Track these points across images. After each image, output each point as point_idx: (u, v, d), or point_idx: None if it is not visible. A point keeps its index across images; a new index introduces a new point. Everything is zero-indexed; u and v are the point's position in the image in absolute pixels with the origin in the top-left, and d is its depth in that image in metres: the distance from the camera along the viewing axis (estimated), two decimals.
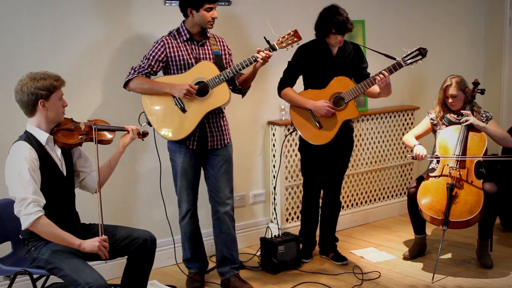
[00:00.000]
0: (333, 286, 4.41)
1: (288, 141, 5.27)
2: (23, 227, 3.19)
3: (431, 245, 5.11)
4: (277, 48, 4.17)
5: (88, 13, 4.36)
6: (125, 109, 4.53)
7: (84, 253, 3.36)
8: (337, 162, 4.77)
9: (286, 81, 4.61)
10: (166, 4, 4.68)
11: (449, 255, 5.00)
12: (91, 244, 3.26)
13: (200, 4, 4.07)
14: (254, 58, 4.11)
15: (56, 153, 3.42)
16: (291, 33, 4.20)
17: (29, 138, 3.33)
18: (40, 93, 3.30)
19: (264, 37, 4.17)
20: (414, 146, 4.76)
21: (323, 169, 4.76)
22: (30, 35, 4.16)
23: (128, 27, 4.54)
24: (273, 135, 5.27)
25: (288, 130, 5.15)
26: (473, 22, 6.85)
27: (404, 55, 4.41)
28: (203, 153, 4.28)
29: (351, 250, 5.14)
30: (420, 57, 4.41)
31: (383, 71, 4.39)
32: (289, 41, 4.20)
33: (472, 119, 4.66)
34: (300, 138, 4.67)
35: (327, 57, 4.57)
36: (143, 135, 3.81)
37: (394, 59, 4.44)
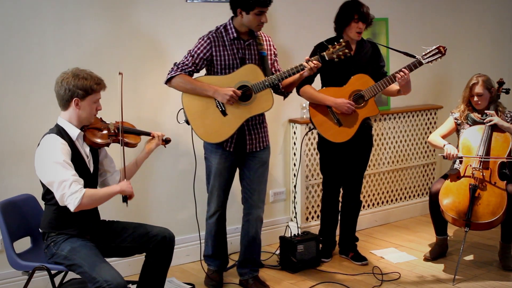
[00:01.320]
0: (352, 286, 4.37)
1: (309, 139, 5.24)
2: (72, 209, 3.17)
3: (452, 247, 5.06)
4: (327, 58, 4.07)
5: (110, 8, 4.36)
6: (152, 106, 4.55)
7: (102, 250, 3.38)
8: (356, 161, 4.74)
9: (305, 79, 4.57)
10: (188, 1, 4.66)
11: (471, 257, 4.94)
12: (126, 185, 3.39)
13: (251, 7, 3.95)
14: (302, 67, 4.03)
15: (85, 150, 3.44)
16: (343, 44, 4.09)
17: (60, 131, 3.34)
18: (77, 91, 3.31)
19: (316, 47, 4.07)
20: (444, 145, 4.68)
21: (342, 167, 4.74)
22: (53, 29, 4.17)
23: (149, 23, 4.53)
24: (294, 133, 5.24)
25: (310, 128, 5.11)
26: (499, 20, 6.75)
27: (423, 53, 4.39)
28: (241, 155, 4.22)
29: (371, 250, 5.10)
30: (439, 55, 4.38)
31: (403, 69, 4.36)
32: (340, 52, 4.08)
33: (496, 119, 4.59)
34: (319, 136, 4.64)
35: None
36: (165, 142, 3.81)
37: (414, 57, 4.40)
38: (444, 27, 6.26)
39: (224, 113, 4.04)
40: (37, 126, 3.54)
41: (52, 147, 3.25)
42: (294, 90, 4.61)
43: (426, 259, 4.86)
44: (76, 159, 3.34)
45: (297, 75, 4.11)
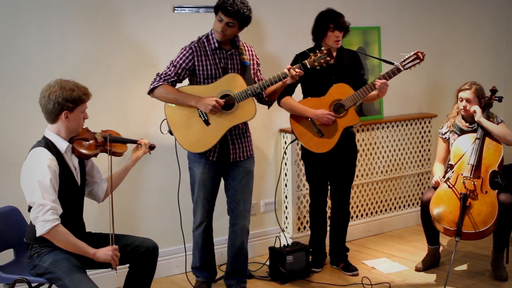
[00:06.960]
0: None
1: (300, 149, 5.20)
2: (38, 234, 3.16)
3: (445, 256, 5.01)
4: (309, 66, 4.04)
5: (96, 20, 4.36)
6: (140, 116, 4.55)
7: (87, 262, 3.35)
8: (342, 171, 4.72)
9: (286, 90, 4.52)
10: (175, 11, 4.65)
11: (463, 267, 4.88)
12: (104, 253, 3.28)
13: (216, 11, 4.01)
14: (284, 75, 4.01)
15: (73, 162, 3.42)
16: (324, 51, 4.05)
17: (48, 145, 3.31)
18: (67, 104, 3.27)
19: (297, 56, 4.07)
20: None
21: (328, 177, 4.73)
22: (38, 42, 4.17)
23: (137, 33, 4.53)
24: (285, 143, 5.21)
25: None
26: (494, 28, 6.72)
27: (402, 60, 4.38)
28: (225, 165, 4.20)
29: (363, 261, 5.05)
30: (417, 61, 4.38)
31: (382, 77, 4.36)
32: (321, 60, 4.04)
33: (478, 112, 4.57)
34: (302, 147, 4.62)
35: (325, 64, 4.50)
36: (151, 148, 3.79)
37: (393, 64, 4.41)
38: (438, 35, 6.23)
39: (207, 122, 4.02)
40: (22, 137, 3.53)
41: (39, 164, 3.22)
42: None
43: (417, 270, 4.81)
44: (65, 173, 3.32)
45: (279, 83, 4.09)
